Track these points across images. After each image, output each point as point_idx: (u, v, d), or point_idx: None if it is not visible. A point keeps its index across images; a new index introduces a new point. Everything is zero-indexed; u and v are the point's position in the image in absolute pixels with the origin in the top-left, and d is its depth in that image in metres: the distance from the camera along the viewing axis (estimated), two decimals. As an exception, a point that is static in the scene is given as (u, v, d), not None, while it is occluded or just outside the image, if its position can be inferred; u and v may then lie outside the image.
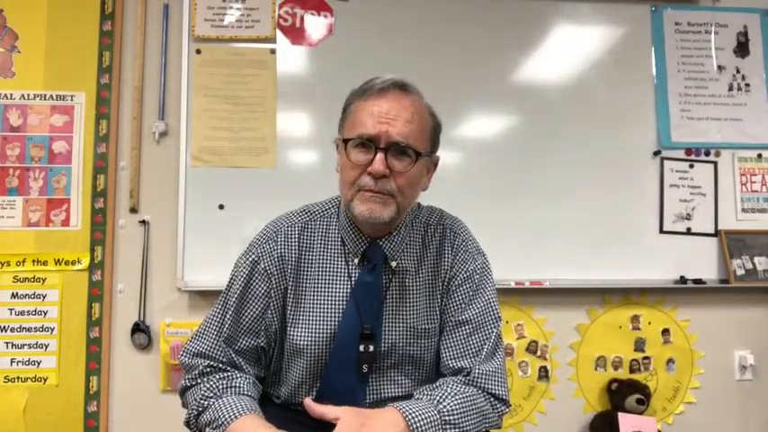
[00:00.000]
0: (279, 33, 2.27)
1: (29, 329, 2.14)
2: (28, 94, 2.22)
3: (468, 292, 1.13)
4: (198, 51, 2.24)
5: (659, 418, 2.33)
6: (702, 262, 2.36)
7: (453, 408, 0.98)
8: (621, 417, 2.13)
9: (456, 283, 1.13)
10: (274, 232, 1.15)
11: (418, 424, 0.92)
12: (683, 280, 2.32)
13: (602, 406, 2.33)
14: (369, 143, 1.04)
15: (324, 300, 1.11)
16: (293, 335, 1.10)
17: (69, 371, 2.14)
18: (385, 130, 1.03)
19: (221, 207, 2.18)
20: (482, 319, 1.11)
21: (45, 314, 2.15)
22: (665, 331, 2.39)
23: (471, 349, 1.09)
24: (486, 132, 2.33)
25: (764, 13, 2.50)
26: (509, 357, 2.30)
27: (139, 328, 2.16)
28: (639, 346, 2.37)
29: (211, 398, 1.03)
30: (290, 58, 2.27)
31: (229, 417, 0.97)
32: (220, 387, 1.05)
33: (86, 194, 2.20)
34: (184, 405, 1.10)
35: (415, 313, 1.11)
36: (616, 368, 2.36)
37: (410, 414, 0.93)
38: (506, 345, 2.28)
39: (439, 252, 1.15)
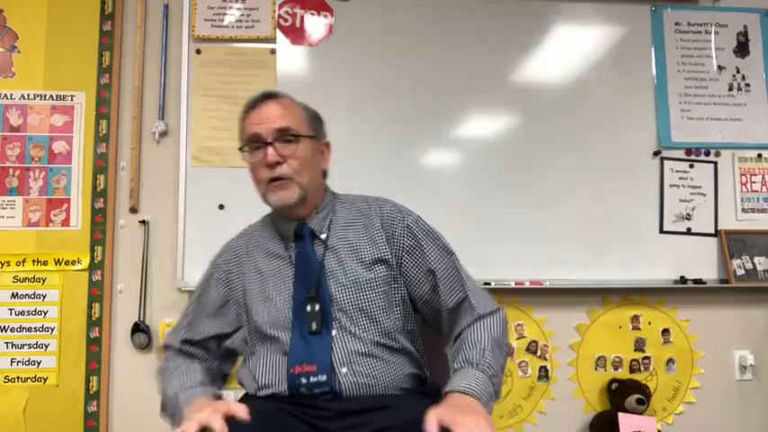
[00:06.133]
0: (279, 33, 2.27)
1: (29, 329, 2.14)
2: (28, 94, 2.22)
3: (416, 248, 1.27)
4: (198, 51, 2.24)
5: (659, 418, 2.33)
6: (702, 262, 2.36)
7: (488, 360, 1.11)
8: (621, 417, 2.13)
9: (400, 244, 1.27)
10: (231, 242, 1.41)
11: (482, 394, 1.04)
12: (683, 280, 2.32)
13: (602, 406, 2.33)
14: (257, 143, 1.24)
15: (274, 280, 1.26)
16: (257, 319, 1.24)
17: (69, 371, 2.14)
18: (266, 127, 1.23)
19: (221, 207, 2.18)
20: (442, 264, 1.26)
21: (45, 314, 2.15)
22: (666, 331, 2.39)
23: (451, 295, 1.24)
24: (486, 132, 2.33)
25: (764, 13, 2.50)
26: (510, 358, 2.30)
27: (139, 329, 2.16)
28: (639, 346, 2.37)
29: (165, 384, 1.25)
30: (290, 58, 2.28)
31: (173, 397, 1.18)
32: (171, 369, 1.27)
33: (86, 194, 2.20)
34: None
35: (353, 269, 1.23)
36: (616, 368, 2.36)
37: (474, 390, 1.04)
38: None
39: (367, 215, 1.30)
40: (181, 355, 1.30)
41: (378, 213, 1.30)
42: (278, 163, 1.22)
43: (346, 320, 1.20)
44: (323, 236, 1.27)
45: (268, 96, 1.29)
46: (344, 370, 1.14)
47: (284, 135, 1.23)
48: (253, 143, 1.25)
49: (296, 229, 1.27)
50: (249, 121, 1.27)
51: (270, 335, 1.22)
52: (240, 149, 1.29)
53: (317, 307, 1.19)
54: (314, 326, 1.18)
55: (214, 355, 1.32)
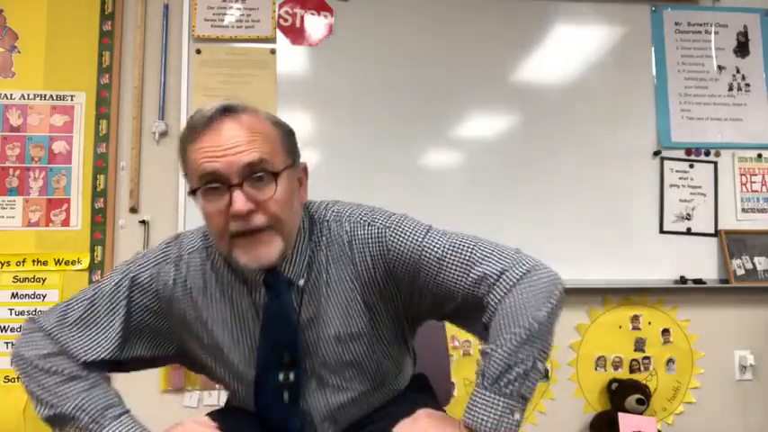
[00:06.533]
0: (279, 33, 2.27)
1: (29, 329, 2.14)
2: (28, 94, 2.22)
3: (396, 253, 0.97)
4: (198, 51, 2.24)
5: (659, 418, 2.33)
6: (702, 262, 2.36)
7: (512, 375, 0.83)
8: (621, 417, 2.13)
9: (374, 264, 0.98)
10: (159, 266, 1.02)
11: (494, 427, 0.81)
12: (683, 280, 2.32)
13: (602, 406, 2.33)
14: (218, 184, 0.89)
15: (236, 338, 1.01)
16: (218, 371, 1.05)
17: (69, 371, 2.14)
18: (228, 161, 0.87)
19: (221, 207, 2.17)
20: (431, 247, 0.96)
21: (45, 314, 2.15)
22: (665, 331, 2.38)
23: (462, 278, 0.93)
24: (486, 132, 2.33)
25: (764, 13, 2.50)
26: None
27: (139, 328, 2.15)
28: (639, 346, 2.37)
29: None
30: (290, 58, 2.28)
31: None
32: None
33: (86, 194, 2.20)
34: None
35: (336, 321, 0.99)
36: (616, 368, 2.36)
37: (484, 426, 0.82)
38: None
39: (338, 250, 1.00)
40: (68, 360, 0.98)
41: (345, 247, 0.99)
42: (250, 211, 0.89)
43: (328, 376, 1.01)
44: (301, 281, 0.98)
45: (226, 111, 0.91)
46: (326, 424, 1.03)
47: (256, 172, 0.89)
48: (209, 183, 0.89)
49: (265, 278, 0.97)
50: (200, 151, 0.89)
51: (233, 387, 1.06)
52: (191, 193, 0.92)
53: (292, 376, 0.98)
54: (286, 397, 0.99)
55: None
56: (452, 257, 0.93)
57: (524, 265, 0.91)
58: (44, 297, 2.16)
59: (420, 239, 0.95)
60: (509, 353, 0.84)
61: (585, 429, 2.32)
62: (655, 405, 2.33)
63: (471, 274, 0.91)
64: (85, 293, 1.01)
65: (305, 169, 1.02)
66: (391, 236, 0.96)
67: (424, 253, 0.94)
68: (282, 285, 0.97)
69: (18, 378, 1.07)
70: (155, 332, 1.03)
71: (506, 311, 0.86)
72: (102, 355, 0.98)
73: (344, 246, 0.98)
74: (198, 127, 0.90)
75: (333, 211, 1.02)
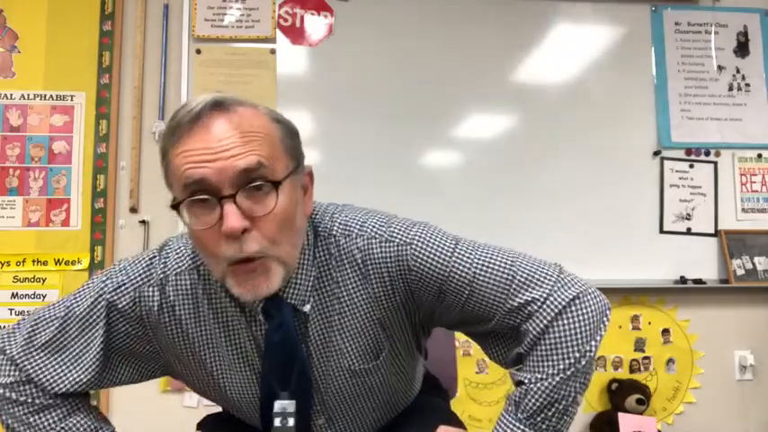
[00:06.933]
0: (279, 33, 2.27)
1: (29, 329, 2.14)
2: (28, 94, 2.22)
3: (421, 279, 0.85)
4: (198, 51, 2.24)
5: (659, 418, 2.33)
6: (702, 262, 2.36)
7: (552, 413, 0.78)
8: (621, 417, 2.12)
9: (394, 286, 0.85)
10: (142, 286, 0.88)
11: None
12: (683, 280, 2.32)
13: (603, 406, 2.33)
14: (206, 196, 0.73)
15: (233, 368, 0.89)
16: (211, 395, 0.96)
17: (69, 371, 2.13)
18: (218, 167, 0.72)
19: (221, 207, 2.17)
20: (464, 272, 0.83)
21: (45, 314, 2.15)
22: (665, 331, 2.38)
23: (498, 305, 0.82)
24: (486, 132, 2.33)
25: (764, 13, 2.50)
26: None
27: (139, 328, 2.15)
28: (639, 346, 2.37)
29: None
30: (290, 58, 2.27)
31: None
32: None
33: (86, 194, 2.20)
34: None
35: (351, 352, 0.87)
36: (616, 368, 2.36)
37: None
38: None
39: (349, 270, 0.86)
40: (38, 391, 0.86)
41: (370, 269, 0.85)
42: (245, 230, 0.74)
43: (338, 409, 0.92)
44: (306, 307, 0.85)
45: (217, 106, 0.76)
46: None
47: (253, 180, 0.74)
48: (195, 193, 0.74)
49: (264, 306, 0.84)
50: (185, 154, 0.74)
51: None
52: (173, 206, 0.77)
53: (290, 422, 0.83)
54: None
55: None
56: (486, 279, 0.82)
57: (570, 289, 0.81)
58: (44, 297, 2.16)
59: (448, 257, 0.83)
60: (552, 389, 0.77)
61: (585, 429, 2.32)
62: (655, 405, 2.33)
63: (509, 302, 0.81)
64: (56, 311, 0.87)
65: (310, 174, 0.86)
66: (413, 254, 0.83)
67: (453, 273, 0.82)
68: (285, 313, 0.83)
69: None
70: (138, 358, 0.91)
71: (551, 343, 0.78)
72: (74, 388, 0.86)
73: (357, 265, 0.85)
74: (182, 125, 0.74)
75: (339, 223, 0.87)
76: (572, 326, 0.79)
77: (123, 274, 0.88)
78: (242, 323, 0.86)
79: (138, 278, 0.87)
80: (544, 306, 0.80)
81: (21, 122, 2.20)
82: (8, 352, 0.86)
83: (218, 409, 1.07)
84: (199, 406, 2.18)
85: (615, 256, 2.31)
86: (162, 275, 0.87)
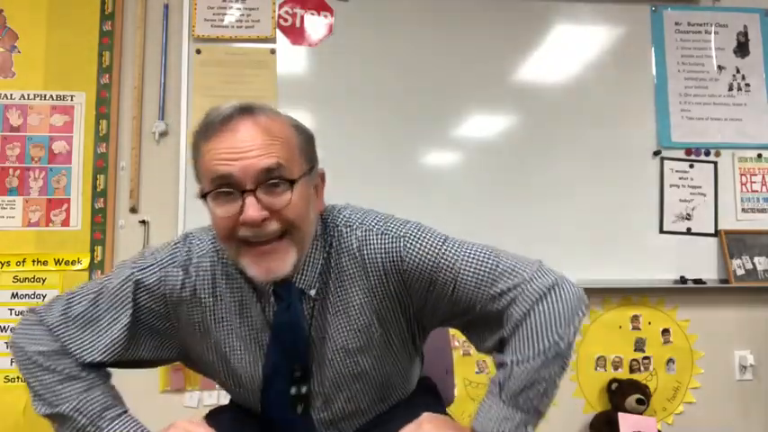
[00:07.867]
0: (279, 33, 2.27)
1: (29, 329, 2.14)
2: (28, 94, 2.22)
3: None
4: (198, 51, 2.24)
5: (659, 418, 2.33)
6: (702, 262, 2.36)
7: (534, 393, 0.83)
8: (621, 417, 2.13)
9: (387, 275, 0.94)
10: (167, 270, 0.97)
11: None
12: (683, 280, 2.32)
13: (603, 406, 2.33)
14: (230, 189, 0.85)
15: (244, 345, 0.98)
16: (222, 375, 1.03)
17: (69, 371, 2.14)
18: (242, 165, 0.83)
19: (221, 207, 2.17)
20: (451, 265, 0.91)
21: (45, 314, 2.15)
22: (665, 331, 2.39)
23: (483, 295, 0.89)
24: (486, 132, 2.33)
25: (764, 13, 2.50)
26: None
27: (139, 328, 2.16)
28: (639, 346, 2.37)
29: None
30: (290, 58, 2.28)
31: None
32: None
33: (86, 194, 2.20)
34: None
35: (346, 333, 0.96)
36: (616, 368, 2.36)
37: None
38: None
39: (348, 259, 0.96)
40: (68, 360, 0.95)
41: (366, 259, 0.95)
42: (264, 219, 0.85)
43: (336, 388, 0.99)
44: (312, 291, 0.95)
45: (244, 111, 0.88)
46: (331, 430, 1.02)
47: (272, 178, 0.85)
48: (221, 187, 0.85)
49: (275, 289, 0.94)
50: (214, 152, 0.85)
51: (240, 396, 1.06)
52: (202, 197, 0.88)
53: (303, 389, 0.97)
54: (299, 409, 0.98)
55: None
56: (471, 269, 0.90)
57: (548, 278, 0.88)
58: (44, 297, 2.16)
59: (436, 250, 0.91)
60: (533, 370, 0.83)
61: (585, 429, 2.32)
62: (655, 405, 2.33)
63: (492, 288, 0.89)
64: (90, 287, 0.99)
65: (322, 176, 0.99)
66: (406, 246, 0.92)
67: (440, 264, 0.91)
68: (294, 296, 0.94)
69: (18, 378, 1.05)
70: (159, 334, 1.00)
71: (531, 327, 0.84)
72: (102, 357, 0.95)
73: (355, 254, 0.94)
74: (214, 125, 0.86)
75: (343, 217, 0.98)
76: (552, 310, 0.85)
77: (151, 258, 0.98)
78: (254, 302, 0.96)
79: (164, 260, 0.97)
80: (525, 292, 0.87)
81: (21, 122, 2.20)
82: (47, 322, 0.96)
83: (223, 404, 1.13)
84: (199, 406, 2.19)
85: (615, 256, 2.31)
86: (186, 258, 0.97)
